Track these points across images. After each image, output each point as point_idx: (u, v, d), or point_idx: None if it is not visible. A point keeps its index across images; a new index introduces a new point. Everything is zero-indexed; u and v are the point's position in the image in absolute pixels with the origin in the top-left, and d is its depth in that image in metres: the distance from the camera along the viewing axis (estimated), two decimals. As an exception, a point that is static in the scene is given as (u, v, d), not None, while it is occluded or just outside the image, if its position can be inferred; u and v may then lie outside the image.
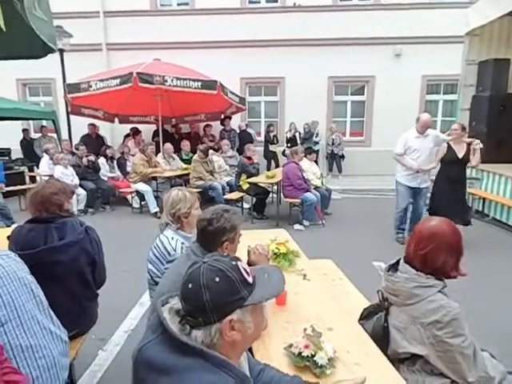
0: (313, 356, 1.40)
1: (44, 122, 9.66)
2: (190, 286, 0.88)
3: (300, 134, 9.95)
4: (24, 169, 8.89)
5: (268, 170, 8.84)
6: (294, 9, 10.00)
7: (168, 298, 0.99)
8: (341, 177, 10.18)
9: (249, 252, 1.82)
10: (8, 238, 1.86)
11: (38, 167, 7.95)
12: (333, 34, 9.90)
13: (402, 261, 1.71)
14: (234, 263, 0.92)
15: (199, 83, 7.15)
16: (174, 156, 8.01)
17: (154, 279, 2.09)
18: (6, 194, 6.42)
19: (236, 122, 9.97)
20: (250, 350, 1.58)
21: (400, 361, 1.66)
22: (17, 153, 9.50)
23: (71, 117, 8.74)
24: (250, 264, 1.76)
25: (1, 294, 1.34)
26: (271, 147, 9.74)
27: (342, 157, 10.21)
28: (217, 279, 0.87)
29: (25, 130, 9.94)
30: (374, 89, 10.43)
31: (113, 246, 4.67)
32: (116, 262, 4.00)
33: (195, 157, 7.22)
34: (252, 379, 1.16)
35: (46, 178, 6.94)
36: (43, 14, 1.38)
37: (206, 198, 6.96)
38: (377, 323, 1.73)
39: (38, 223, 1.88)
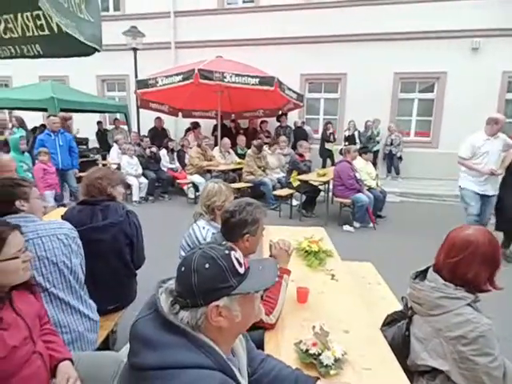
0: (319, 354, 1.38)
1: (117, 115, 10.54)
2: (182, 268, 0.94)
3: (359, 132, 9.59)
4: (98, 157, 9.84)
5: (323, 168, 8.69)
6: (358, 2, 9.61)
7: (168, 279, 1.06)
8: (400, 179, 9.62)
9: (270, 246, 1.85)
10: (62, 217, 2.10)
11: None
12: (400, 28, 9.33)
13: (431, 269, 1.60)
14: (226, 252, 0.96)
15: (257, 79, 7.25)
16: (230, 150, 8.25)
17: (184, 265, 2.20)
18: (80, 179, 7.16)
19: (293, 119, 9.93)
20: (262, 340, 1.61)
21: (420, 373, 1.57)
22: (93, 142, 10.52)
23: (140, 110, 9.44)
24: (271, 258, 1.79)
25: (35, 275, 1.55)
26: (327, 145, 9.54)
27: (400, 158, 9.63)
28: (206, 265, 0.91)
29: (99, 122, 10.96)
30: (444, 86, 9.64)
31: (165, 232, 5.00)
32: (165, 247, 4.28)
33: (249, 152, 7.38)
34: (249, 367, 1.20)
35: (115, 165, 7.61)
36: (90, 16, 1.54)
37: (257, 193, 7.09)
38: (398, 331, 1.65)
39: (86, 205, 2.11)
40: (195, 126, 9.47)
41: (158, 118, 9.84)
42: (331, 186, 6.24)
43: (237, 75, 7.16)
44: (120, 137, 8.46)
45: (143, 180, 7.45)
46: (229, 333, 0.98)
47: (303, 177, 6.22)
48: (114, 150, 8.14)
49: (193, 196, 7.54)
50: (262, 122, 9.89)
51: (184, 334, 0.89)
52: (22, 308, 1.37)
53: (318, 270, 2.34)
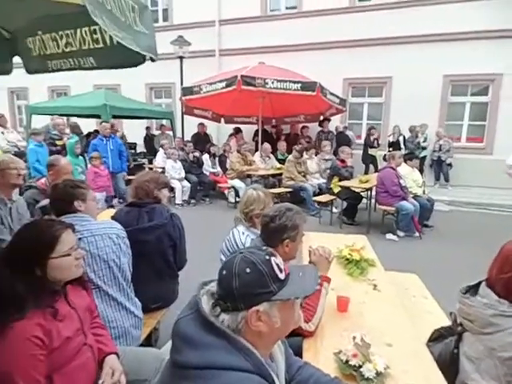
0: (360, 366, 1.34)
1: (163, 121, 11.00)
2: (224, 272, 0.96)
3: (404, 137, 9.22)
4: (145, 161, 10.32)
5: (365, 174, 8.45)
6: (404, 4, 9.28)
7: (210, 281, 1.09)
8: (450, 187, 9.09)
9: (310, 252, 1.82)
10: (111, 217, 2.23)
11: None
12: (450, 29, 8.87)
13: (483, 284, 1.50)
14: (267, 258, 0.96)
15: (299, 85, 7.24)
16: (271, 155, 8.29)
17: (224, 268, 2.24)
18: (128, 182, 7.54)
19: (335, 124, 9.78)
20: (300, 347, 1.60)
21: (470, 395, 1.46)
22: (141, 147, 11.05)
23: (184, 116, 9.78)
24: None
25: (88, 271, 1.65)
26: (371, 151, 9.27)
27: (450, 165, 9.10)
28: (247, 270, 0.93)
29: (147, 128, 11.49)
30: (499, 89, 9.01)
31: (206, 235, 5.12)
32: (207, 249, 4.37)
33: (290, 157, 7.37)
34: (286, 373, 1.19)
35: (160, 169, 7.93)
36: (145, 28, 1.63)
37: (297, 198, 7.04)
38: (445, 348, 1.56)
39: (133, 207, 2.22)
40: (237, 132, 9.64)
41: (201, 124, 10.13)
42: (374, 193, 6.06)
43: (278, 81, 7.20)
44: (165, 142, 8.81)
45: (186, 183, 7.69)
46: (268, 338, 0.99)
47: (345, 183, 6.09)
48: (160, 154, 8.49)
49: (233, 200, 7.65)
50: (302, 128, 9.84)
51: (224, 337, 0.91)
52: (76, 302, 1.47)
53: (360, 279, 2.27)
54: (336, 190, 6.27)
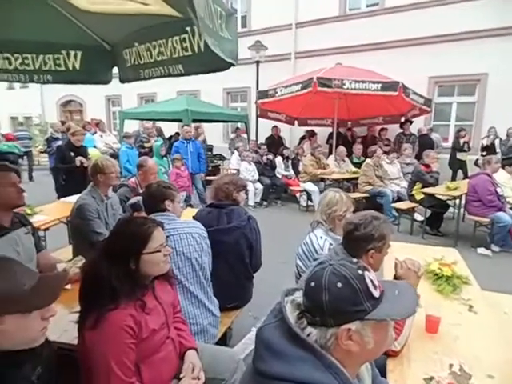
0: (457, 399, 1.19)
1: (239, 124, 11.33)
2: (312, 284, 0.91)
3: (501, 140, 8.18)
4: (221, 163, 10.76)
5: (453, 180, 7.68)
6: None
7: (294, 290, 1.05)
8: (560, 198, 7.81)
9: (396, 265, 1.67)
10: (193, 217, 2.33)
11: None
12: None
13: None
14: (360, 272, 0.89)
15: (379, 85, 6.88)
16: (346, 159, 8.02)
17: (300, 274, 2.20)
18: (206, 182, 7.90)
19: (417, 126, 9.07)
20: (384, 368, 1.48)
21: None
22: (217, 149, 11.53)
23: (259, 119, 9.95)
24: (396, 279, 1.63)
25: (173, 268, 1.73)
26: (459, 155, 8.38)
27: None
28: (339, 284, 0.87)
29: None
30: None
31: (278, 237, 5.13)
32: (278, 252, 4.38)
33: (368, 161, 7.02)
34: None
35: (234, 171, 8.18)
36: (229, 35, 1.67)
37: (374, 204, 6.68)
38: None
39: (213, 208, 2.29)
40: (312, 135, 9.51)
41: (275, 127, 10.20)
42: (463, 202, 5.47)
43: (356, 81, 6.93)
44: (240, 144, 9.07)
45: (259, 185, 7.80)
46: (358, 358, 0.91)
47: (429, 190, 5.60)
48: (235, 156, 8.76)
49: (305, 203, 7.56)
50: (381, 130, 9.32)
51: (312, 351, 0.86)
52: (162, 296, 1.55)
53: (451, 297, 2.05)
54: (418, 196, 5.80)
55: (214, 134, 11.58)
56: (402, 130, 8.91)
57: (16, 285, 0.99)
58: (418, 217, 6.08)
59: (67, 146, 5.31)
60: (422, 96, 7.85)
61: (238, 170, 8.03)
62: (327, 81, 6.92)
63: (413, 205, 5.95)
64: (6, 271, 1.02)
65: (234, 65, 1.74)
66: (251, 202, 7.60)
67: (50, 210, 4.03)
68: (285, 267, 4.23)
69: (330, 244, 2.08)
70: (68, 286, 2.00)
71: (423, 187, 5.78)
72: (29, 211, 3.53)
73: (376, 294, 0.88)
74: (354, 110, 9.28)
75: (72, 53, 2.80)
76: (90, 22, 2.65)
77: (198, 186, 7.22)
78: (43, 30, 2.63)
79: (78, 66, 2.83)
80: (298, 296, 0.99)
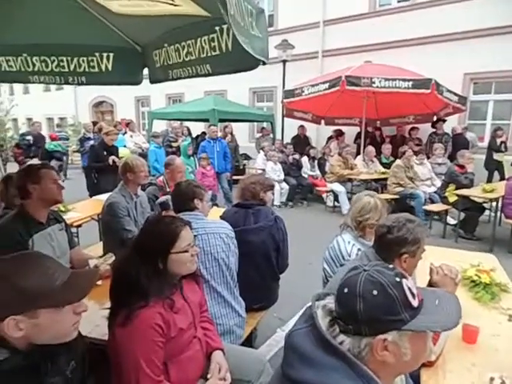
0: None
1: (264, 124, 11.31)
2: (345, 290, 0.87)
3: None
4: (246, 162, 10.77)
5: (489, 182, 7.32)
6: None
7: (325, 295, 1.01)
8: None
9: (431, 271, 1.58)
10: (220, 217, 2.33)
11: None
12: None
13: None
14: (397, 280, 0.84)
15: (410, 83, 6.66)
16: (374, 159, 7.82)
17: (327, 278, 2.14)
18: (231, 182, 7.94)
19: (451, 125, 8.71)
20: (418, 378, 1.41)
21: None
22: (243, 149, 11.56)
23: (285, 119, 9.89)
24: (431, 285, 1.55)
25: (200, 267, 1.73)
26: (496, 155, 7.97)
27: None
28: (374, 292, 0.82)
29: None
30: None
31: (304, 238, 5.07)
32: (304, 253, 4.33)
33: (398, 162, 6.80)
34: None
35: (260, 171, 8.17)
36: (259, 32, 1.65)
37: (404, 206, 6.48)
38: None
39: (240, 208, 2.28)
40: (339, 134, 9.34)
41: (302, 126, 10.10)
42: (500, 205, 5.20)
43: (386, 79, 6.73)
44: (266, 144, 9.04)
45: (284, 185, 7.75)
46: (393, 369, 0.87)
47: (464, 191, 5.36)
48: (260, 156, 8.74)
49: (331, 204, 7.44)
50: (412, 129, 9.02)
51: (345, 360, 0.83)
52: (189, 296, 1.55)
53: (489, 306, 1.93)
54: (452, 198, 5.56)
55: (240, 134, 11.61)
56: (434, 130, 8.59)
57: (48, 280, 1.01)
58: (451, 220, 5.83)
59: (100, 145, 5.49)
60: (456, 94, 7.54)
61: (263, 170, 8.01)
62: (356, 79, 6.77)
63: (445, 207, 5.71)
64: (39, 267, 1.05)
65: (265, 62, 1.72)
66: (277, 202, 7.56)
67: (82, 208, 4.17)
68: (310, 268, 4.17)
69: (358, 249, 2.00)
70: (99, 282, 2.05)
71: (457, 189, 5.54)
72: (62, 208, 3.66)
73: (414, 303, 0.83)
74: (382, 108, 9.04)
75: (105, 55, 2.88)
76: (122, 25, 2.71)
77: (223, 185, 7.27)
78: (78, 33, 2.72)
79: (110, 68, 2.91)
80: (330, 301, 0.95)
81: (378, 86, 6.76)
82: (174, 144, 8.21)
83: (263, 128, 11.09)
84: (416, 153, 7.16)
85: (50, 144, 9.52)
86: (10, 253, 1.07)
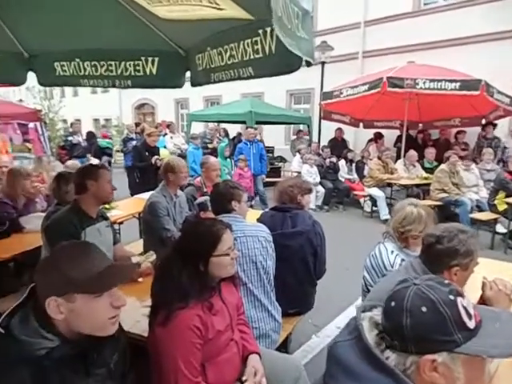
0: None
1: (301, 126, 11.21)
2: (392, 303, 0.82)
3: None
4: (281, 164, 10.73)
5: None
6: None
7: (372, 307, 0.97)
8: None
9: (484, 285, 1.47)
10: (257, 220, 2.32)
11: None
12: None
13: None
14: (451, 298, 0.77)
15: (457, 84, 6.33)
16: (416, 164, 7.49)
17: (367, 287, 2.07)
18: (266, 184, 7.94)
19: (502, 129, 8.17)
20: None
21: None
22: (278, 151, 11.53)
23: (322, 121, 9.75)
24: (482, 301, 1.45)
25: (238, 270, 1.73)
26: (553, 162, 7.39)
27: None
28: (423, 309, 0.76)
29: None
30: None
31: (339, 243, 4.95)
32: (340, 258, 4.23)
33: (443, 166, 6.46)
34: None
35: (295, 174, 8.10)
36: (305, 34, 1.63)
37: (448, 213, 6.16)
38: None
39: (278, 211, 2.26)
40: (378, 137, 9.07)
41: (339, 129, 9.91)
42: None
43: (432, 80, 6.45)
44: (302, 146, 8.96)
45: (320, 189, 7.63)
46: None
47: (515, 200, 5.01)
48: (296, 159, 8.67)
49: (369, 209, 7.23)
50: (458, 133, 8.56)
51: (393, 376, 0.78)
52: (227, 298, 1.55)
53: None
54: (501, 207, 5.21)
55: (276, 136, 11.60)
56: (483, 134, 8.10)
57: (88, 268, 1.06)
58: (501, 229, 5.47)
59: (142, 145, 5.70)
60: (507, 95, 7.06)
61: (299, 173, 7.94)
62: (399, 80, 6.55)
63: (494, 216, 5.36)
64: (83, 255, 1.10)
65: (311, 63, 1.71)
66: (312, 205, 7.45)
67: (124, 206, 4.34)
68: (347, 274, 4.07)
69: (402, 260, 1.91)
70: (140, 279, 2.12)
71: (507, 196, 5.19)
72: (107, 206, 3.82)
73: (471, 324, 0.76)
74: (425, 111, 8.67)
75: (150, 59, 2.97)
76: (167, 29, 2.79)
77: (259, 187, 7.29)
78: (125, 38, 2.83)
79: (154, 71, 3.00)
80: (377, 314, 0.91)
81: (422, 88, 6.49)
82: (209, 145, 8.34)
83: (300, 130, 11.00)
84: (462, 158, 6.78)
85: (103, 141, 10.23)
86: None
